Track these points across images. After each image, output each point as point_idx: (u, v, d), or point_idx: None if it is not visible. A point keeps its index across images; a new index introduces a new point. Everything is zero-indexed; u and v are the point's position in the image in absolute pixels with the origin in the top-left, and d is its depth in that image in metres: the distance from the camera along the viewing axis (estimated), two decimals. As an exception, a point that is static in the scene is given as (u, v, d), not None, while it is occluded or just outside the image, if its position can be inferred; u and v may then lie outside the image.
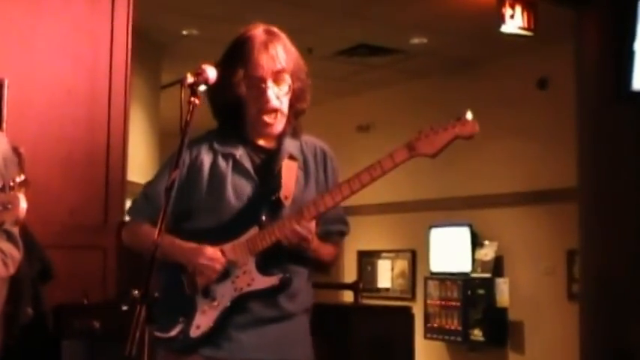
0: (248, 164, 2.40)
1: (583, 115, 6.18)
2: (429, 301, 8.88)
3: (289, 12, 6.38)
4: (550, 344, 7.86)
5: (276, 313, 2.36)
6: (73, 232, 4.30)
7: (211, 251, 2.30)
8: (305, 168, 2.46)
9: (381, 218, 9.66)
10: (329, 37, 7.70)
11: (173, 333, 2.32)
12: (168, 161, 2.43)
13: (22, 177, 1.63)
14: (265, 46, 2.36)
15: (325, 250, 2.44)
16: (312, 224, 2.30)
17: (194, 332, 2.31)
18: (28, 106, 4.27)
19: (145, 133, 7.88)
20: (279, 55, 2.37)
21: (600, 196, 5.99)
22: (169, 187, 2.08)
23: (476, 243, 8.60)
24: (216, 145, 2.42)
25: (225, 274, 2.32)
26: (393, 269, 9.85)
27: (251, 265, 2.32)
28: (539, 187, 8.05)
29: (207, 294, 2.32)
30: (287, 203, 2.36)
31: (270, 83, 2.36)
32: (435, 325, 8.72)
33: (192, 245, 2.33)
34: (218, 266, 2.29)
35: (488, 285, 8.29)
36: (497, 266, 8.41)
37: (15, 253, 2.45)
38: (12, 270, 2.45)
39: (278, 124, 2.42)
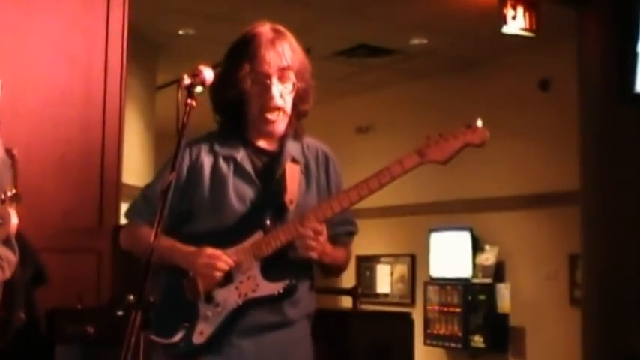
0: (249, 167, 2.40)
1: (585, 117, 6.19)
2: (428, 307, 8.87)
3: (287, 11, 6.38)
4: (552, 350, 7.86)
5: (278, 319, 2.36)
6: (66, 234, 4.29)
7: (212, 250, 2.29)
8: (306, 172, 2.46)
9: (380, 222, 9.65)
10: (328, 37, 7.70)
11: (176, 339, 2.31)
12: (167, 163, 2.43)
13: (14, 191, 1.62)
14: (272, 43, 2.37)
15: (338, 254, 2.45)
16: (322, 226, 2.29)
17: (197, 338, 2.30)
18: (22, 106, 4.27)
19: (140, 134, 7.88)
20: (285, 53, 2.38)
21: (603, 200, 6.00)
22: (165, 190, 2.07)
23: (476, 247, 8.61)
24: (216, 147, 2.42)
25: (229, 279, 2.31)
26: (392, 274, 9.84)
27: (256, 270, 2.32)
28: (540, 191, 8.05)
29: (210, 299, 2.32)
30: (291, 208, 2.36)
31: (275, 80, 2.37)
32: (435, 331, 8.72)
33: (192, 248, 2.32)
34: (221, 264, 2.28)
35: (489, 290, 8.29)
36: (498, 271, 8.41)
37: (11, 257, 2.45)
38: (8, 274, 2.45)
39: (280, 123, 2.42)
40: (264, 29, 2.41)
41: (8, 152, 2.65)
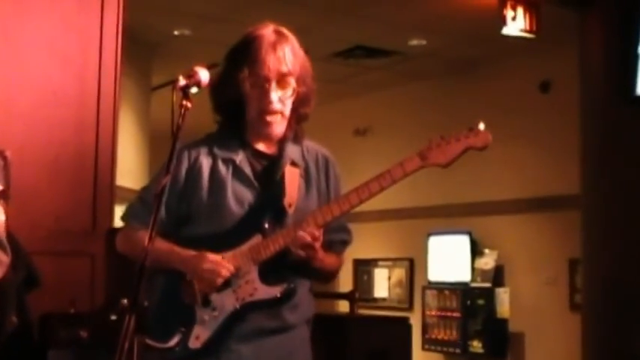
0: (248, 170, 2.41)
1: (586, 119, 6.20)
2: (427, 312, 8.88)
3: (284, 12, 6.38)
4: (552, 356, 7.86)
5: (277, 324, 2.36)
6: (60, 238, 4.29)
7: (215, 257, 2.30)
8: (306, 175, 2.46)
9: (378, 225, 9.65)
10: (325, 38, 7.71)
11: (171, 343, 2.31)
12: (165, 165, 2.44)
13: (1, 187, 1.62)
14: (273, 46, 2.37)
15: (329, 260, 2.44)
16: (319, 232, 2.30)
17: (193, 343, 2.30)
18: (15, 108, 4.26)
19: (134, 136, 7.88)
20: (286, 57, 2.38)
21: (604, 204, 6.00)
22: (159, 193, 2.07)
23: (475, 251, 8.61)
24: (215, 150, 2.43)
25: (226, 283, 2.31)
26: (390, 278, 9.85)
27: (254, 274, 2.32)
28: (541, 194, 8.06)
29: (207, 303, 2.32)
30: (290, 211, 2.37)
31: (273, 85, 2.37)
32: (433, 337, 8.73)
33: (191, 252, 2.32)
34: (224, 271, 2.28)
35: (488, 295, 8.29)
36: (497, 275, 8.41)
37: (3, 258, 2.45)
38: (0, 275, 2.45)
39: (278, 125, 2.42)
40: (267, 31, 2.41)
41: (1, 154, 2.65)
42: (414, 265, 9.55)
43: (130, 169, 7.18)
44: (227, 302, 2.31)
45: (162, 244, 2.29)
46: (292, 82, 2.39)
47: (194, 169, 2.40)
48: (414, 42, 8.03)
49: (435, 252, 8.98)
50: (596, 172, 6.09)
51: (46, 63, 4.40)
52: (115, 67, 4.56)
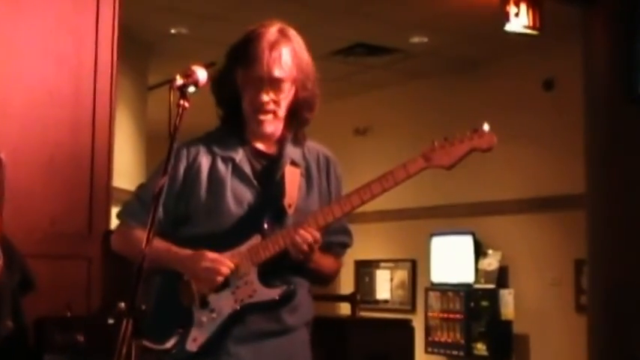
0: (248, 169, 2.41)
1: (591, 118, 6.20)
2: (429, 314, 8.88)
3: (282, 9, 6.38)
4: (557, 359, 7.86)
5: (276, 326, 2.36)
6: (55, 240, 4.29)
7: (214, 255, 2.29)
8: (307, 175, 2.46)
9: (380, 226, 9.65)
10: (324, 35, 7.71)
11: (168, 345, 2.30)
12: (162, 162, 2.44)
13: None
14: (271, 46, 2.36)
15: (326, 262, 2.44)
16: (319, 234, 2.30)
17: (190, 345, 2.30)
18: (9, 108, 4.26)
19: (131, 136, 7.88)
20: (282, 59, 2.37)
21: (609, 203, 6.00)
22: (157, 194, 2.07)
23: (479, 252, 8.61)
24: (215, 148, 2.43)
25: (225, 284, 2.31)
26: (392, 280, 9.85)
27: (253, 275, 2.32)
28: (545, 194, 8.06)
29: (205, 305, 2.31)
30: (290, 212, 2.37)
31: (266, 85, 2.37)
32: (436, 339, 8.72)
33: (190, 252, 2.31)
34: (224, 269, 2.28)
35: (492, 296, 8.29)
36: (501, 277, 8.41)
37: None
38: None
39: (270, 124, 2.41)
40: (270, 30, 2.40)
41: (-5, 156, 2.65)
42: (416, 266, 9.55)
43: (127, 170, 7.18)
44: (225, 304, 2.31)
45: (159, 244, 2.28)
46: (286, 86, 2.39)
47: (193, 167, 2.40)
48: (416, 40, 8.03)
49: (437, 253, 8.98)
50: (601, 171, 6.09)
51: (40, 62, 4.40)
52: (111, 66, 4.55)
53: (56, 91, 4.41)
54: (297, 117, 2.46)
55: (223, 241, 2.33)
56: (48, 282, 3.89)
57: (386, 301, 9.84)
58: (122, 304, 3.49)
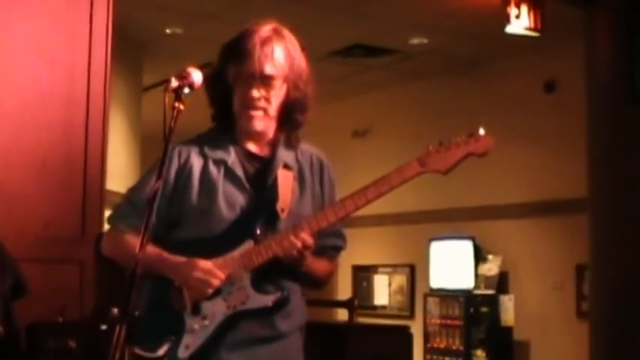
0: (240, 172, 2.40)
1: (593, 120, 6.21)
2: (428, 320, 8.87)
3: (279, 9, 6.37)
4: (558, 365, 7.87)
5: (270, 332, 2.36)
6: (48, 244, 4.28)
7: (206, 264, 2.29)
8: (300, 178, 2.46)
9: (378, 230, 9.66)
10: (322, 36, 7.72)
11: (160, 352, 2.30)
12: (154, 165, 2.43)
13: None
14: (264, 43, 2.38)
15: (319, 266, 2.44)
16: (312, 239, 2.30)
17: (183, 353, 2.29)
18: (0, 109, 4.26)
19: (125, 138, 7.88)
20: (274, 57, 2.38)
21: (612, 207, 6.01)
22: (152, 198, 2.07)
23: (479, 257, 8.61)
24: (206, 150, 2.43)
25: (217, 291, 2.31)
26: (390, 285, 9.85)
27: (246, 281, 2.31)
28: (546, 198, 8.07)
29: (197, 311, 2.31)
30: (283, 216, 2.37)
31: (257, 81, 2.37)
32: (435, 345, 8.72)
33: (182, 259, 2.31)
34: (215, 281, 2.28)
35: (492, 302, 8.29)
36: (501, 282, 8.41)
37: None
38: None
39: (260, 121, 2.41)
40: (264, 28, 2.41)
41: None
42: (415, 271, 9.55)
43: (121, 172, 7.17)
44: (218, 310, 2.31)
45: (151, 250, 2.28)
46: (277, 84, 2.39)
47: (184, 170, 2.40)
48: (415, 40, 8.04)
49: (437, 258, 8.98)
50: (604, 175, 6.09)
51: (33, 62, 4.40)
52: (105, 66, 4.55)
53: (49, 91, 4.41)
54: (289, 119, 2.46)
55: (215, 246, 2.33)
56: (40, 286, 3.88)
57: (384, 307, 9.84)
58: (115, 310, 3.49)
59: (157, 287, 2.36)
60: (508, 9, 6.12)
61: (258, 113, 2.40)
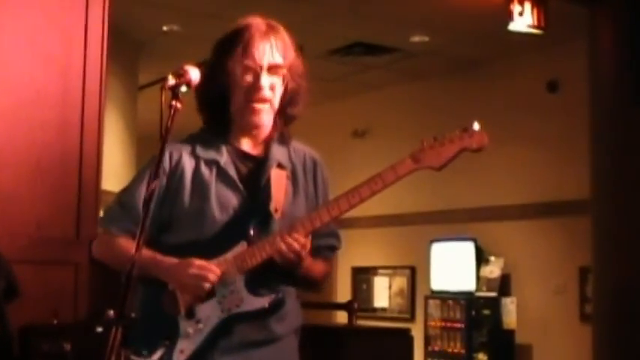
0: (233, 172, 2.40)
1: (597, 120, 6.21)
2: (429, 322, 8.87)
3: (278, 6, 6.38)
4: (561, 369, 7.87)
5: (264, 335, 2.35)
6: (41, 245, 4.28)
7: (201, 261, 2.28)
8: (293, 178, 2.46)
9: (378, 232, 9.66)
10: (321, 34, 7.72)
11: (154, 358, 2.29)
12: (145, 167, 2.43)
13: None
14: (265, 34, 2.39)
15: (315, 267, 2.44)
16: (306, 239, 2.30)
17: (177, 357, 2.29)
18: (-6, 108, 4.26)
19: (121, 137, 7.88)
20: (278, 47, 2.39)
21: (615, 209, 6.01)
22: (148, 199, 2.06)
23: (481, 259, 8.61)
24: (198, 151, 2.42)
25: (211, 294, 2.30)
26: (390, 287, 9.85)
27: (240, 284, 2.31)
28: (549, 199, 8.07)
29: (192, 315, 2.31)
30: (277, 217, 2.36)
31: (264, 71, 2.37)
32: (436, 349, 8.72)
33: (175, 261, 2.30)
34: (211, 275, 2.27)
35: (494, 305, 8.29)
36: (503, 285, 8.41)
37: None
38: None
39: (266, 115, 2.41)
40: (258, 22, 2.43)
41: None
42: (415, 273, 9.55)
43: (116, 173, 7.17)
44: (212, 314, 2.30)
45: (144, 252, 2.26)
46: (282, 72, 2.40)
47: (176, 172, 2.39)
48: (416, 39, 8.04)
49: (438, 260, 8.98)
50: (607, 176, 6.09)
51: (28, 61, 4.39)
52: (101, 65, 4.55)
53: (44, 90, 4.40)
54: (284, 113, 2.46)
55: (208, 248, 2.32)
56: (34, 288, 3.89)
57: (384, 310, 9.84)
58: (111, 312, 3.48)
59: (150, 291, 2.35)
60: (511, 6, 6.12)
61: (265, 106, 2.40)
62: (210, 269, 2.27)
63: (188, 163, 2.40)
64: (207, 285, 2.28)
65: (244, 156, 2.44)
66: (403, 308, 9.66)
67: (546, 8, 6.23)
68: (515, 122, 8.17)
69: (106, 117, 4.74)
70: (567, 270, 7.93)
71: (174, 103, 2.11)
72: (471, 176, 8.40)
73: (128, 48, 7.79)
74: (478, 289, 8.55)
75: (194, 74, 2.16)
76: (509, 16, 6.14)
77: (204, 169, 2.39)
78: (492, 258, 8.56)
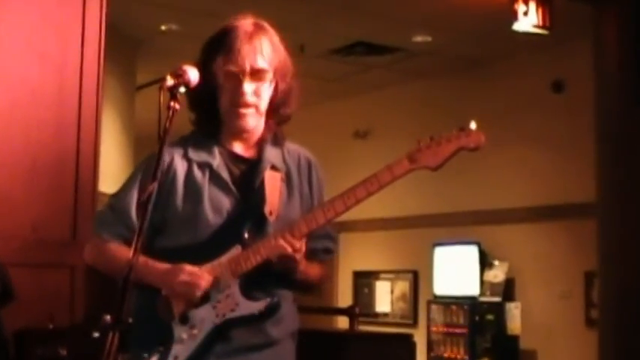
0: (226, 175, 2.40)
1: (602, 121, 6.20)
2: (432, 328, 8.87)
3: (279, 6, 6.39)
4: (566, 375, 7.87)
5: (260, 339, 2.35)
6: (37, 248, 4.28)
7: (192, 267, 2.28)
8: (288, 180, 2.46)
9: (379, 235, 9.65)
10: (323, 33, 7.72)
11: None
12: (137, 170, 2.43)
13: None
14: (250, 37, 2.38)
15: (311, 270, 2.44)
16: (302, 242, 2.30)
17: None
18: (-11, 107, 4.27)
19: (118, 138, 7.88)
20: (263, 50, 2.38)
21: (622, 212, 6.00)
22: (146, 200, 2.06)
23: (484, 263, 8.61)
24: (190, 153, 2.42)
25: (205, 299, 2.30)
26: (392, 292, 9.84)
27: (234, 288, 2.31)
28: (554, 202, 8.07)
29: (186, 320, 2.31)
30: (272, 219, 2.36)
31: (247, 76, 2.37)
32: (439, 354, 8.72)
33: (168, 266, 2.30)
34: (202, 282, 2.27)
35: (498, 310, 8.29)
36: (507, 289, 8.41)
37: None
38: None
39: (251, 118, 2.41)
40: (245, 22, 2.42)
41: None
42: (418, 277, 9.54)
43: (114, 174, 7.17)
44: (206, 319, 2.30)
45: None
46: (268, 76, 2.39)
47: (168, 175, 2.38)
48: (419, 38, 8.04)
49: (440, 264, 8.98)
50: (613, 178, 6.09)
51: (23, 60, 4.40)
52: (98, 64, 4.56)
53: (40, 90, 4.41)
54: (276, 114, 2.46)
55: (202, 253, 2.32)
56: (29, 292, 3.89)
57: (386, 315, 9.83)
58: (107, 317, 3.49)
59: (143, 296, 2.35)
60: (516, 6, 6.12)
61: (249, 111, 2.39)
62: (201, 275, 2.28)
63: (180, 166, 2.40)
64: (197, 292, 2.28)
65: (237, 158, 2.44)
66: (405, 313, 9.66)
67: (551, 8, 6.23)
68: (519, 123, 8.17)
69: (103, 117, 4.75)
70: (573, 274, 7.93)
71: (172, 104, 2.11)
72: (475, 178, 8.40)
73: (125, 47, 7.79)
74: (482, 293, 8.54)
75: (193, 74, 2.16)
76: (513, 16, 6.14)
77: (196, 172, 2.39)
78: (496, 262, 8.56)
